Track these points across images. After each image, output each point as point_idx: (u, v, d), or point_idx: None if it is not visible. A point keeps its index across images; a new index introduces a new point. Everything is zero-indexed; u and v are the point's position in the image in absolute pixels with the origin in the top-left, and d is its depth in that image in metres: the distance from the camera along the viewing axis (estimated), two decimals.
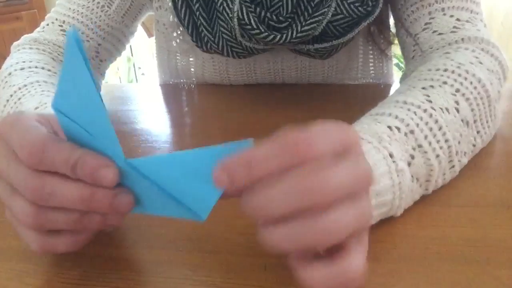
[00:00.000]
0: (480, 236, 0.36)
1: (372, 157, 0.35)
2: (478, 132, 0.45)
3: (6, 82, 0.53)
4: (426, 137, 0.39)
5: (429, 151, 0.38)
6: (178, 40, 0.71)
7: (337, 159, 0.26)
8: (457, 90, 0.43)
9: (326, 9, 0.55)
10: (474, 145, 0.44)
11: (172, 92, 0.74)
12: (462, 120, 0.42)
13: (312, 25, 0.56)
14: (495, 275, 0.32)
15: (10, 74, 0.54)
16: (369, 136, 0.37)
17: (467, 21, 0.53)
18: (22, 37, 0.63)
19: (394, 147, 0.36)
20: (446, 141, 0.40)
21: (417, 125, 0.39)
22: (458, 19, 0.53)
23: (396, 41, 0.67)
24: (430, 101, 0.41)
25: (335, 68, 0.70)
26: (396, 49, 0.76)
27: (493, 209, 0.39)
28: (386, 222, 0.37)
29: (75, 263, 0.35)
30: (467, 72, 0.44)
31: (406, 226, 0.37)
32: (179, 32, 0.70)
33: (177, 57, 0.73)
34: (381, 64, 0.74)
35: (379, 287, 0.32)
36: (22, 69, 0.55)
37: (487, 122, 0.46)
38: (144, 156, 0.51)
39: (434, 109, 0.40)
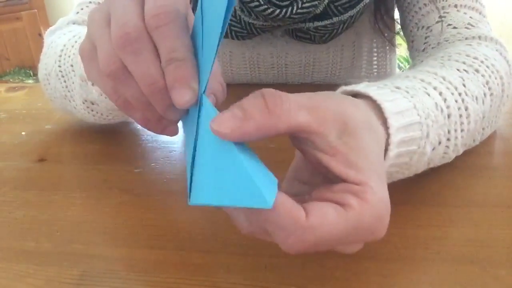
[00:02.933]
0: (480, 236, 0.36)
1: (413, 131, 0.34)
2: (483, 129, 0.44)
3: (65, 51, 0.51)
4: (455, 123, 0.38)
5: (451, 138, 0.38)
6: None
7: None
8: (487, 83, 0.42)
9: None
10: (474, 140, 0.44)
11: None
12: (482, 113, 0.41)
13: (313, 2, 0.56)
14: (495, 275, 0.32)
15: (65, 45, 0.52)
16: (421, 108, 0.35)
17: (479, 21, 0.53)
18: (59, 20, 0.61)
19: (432, 130, 0.36)
20: (468, 130, 0.40)
21: (454, 109, 0.38)
22: (471, 17, 0.53)
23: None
24: (464, 85, 0.40)
25: (339, 65, 0.70)
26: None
27: (493, 209, 0.39)
28: None
29: (75, 263, 0.35)
30: (493, 66, 0.44)
31: (406, 226, 0.37)
32: None
33: None
34: (384, 63, 0.74)
35: (379, 287, 0.31)
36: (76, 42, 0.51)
37: (494, 122, 0.46)
38: (144, 155, 0.52)
39: (467, 95, 0.39)
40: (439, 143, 0.37)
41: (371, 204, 0.26)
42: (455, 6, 0.54)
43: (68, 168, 0.50)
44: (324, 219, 0.25)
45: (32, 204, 0.44)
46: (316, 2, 0.56)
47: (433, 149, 0.37)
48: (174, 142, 0.54)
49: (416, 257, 0.34)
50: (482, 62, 0.44)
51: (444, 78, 0.39)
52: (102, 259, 0.36)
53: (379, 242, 0.35)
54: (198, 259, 0.35)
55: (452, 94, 0.38)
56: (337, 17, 0.58)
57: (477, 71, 0.42)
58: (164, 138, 0.56)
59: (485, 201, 0.40)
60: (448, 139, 0.38)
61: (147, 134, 0.56)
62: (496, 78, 0.43)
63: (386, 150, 0.32)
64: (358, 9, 0.58)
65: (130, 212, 0.41)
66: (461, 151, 0.41)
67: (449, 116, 0.37)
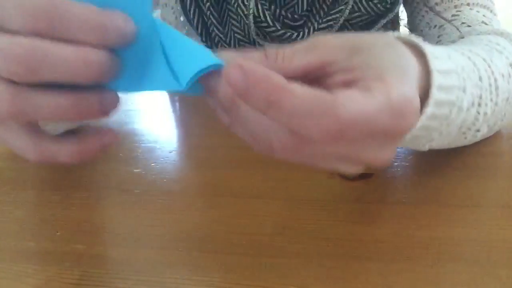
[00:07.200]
0: (480, 236, 0.36)
1: (451, 78, 0.32)
2: (504, 114, 0.43)
3: None
4: (486, 89, 0.37)
5: (482, 104, 0.37)
6: None
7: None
8: (511, 65, 0.42)
9: (343, 7, 0.54)
10: (495, 123, 0.42)
11: (173, 92, 0.74)
12: (508, 93, 0.41)
13: (329, 23, 0.55)
14: (495, 275, 0.32)
15: None
16: (455, 59, 0.34)
17: (491, 19, 0.53)
18: None
19: (468, 85, 0.34)
20: (496, 104, 0.39)
21: (484, 73, 0.37)
22: (484, 15, 0.53)
23: None
24: (491, 60, 0.39)
25: None
26: None
27: (493, 209, 0.39)
28: (386, 222, 0.37)
29: (75, 263, 0.35)
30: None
31: (406, 226, 0.37)
32: (185, 32, 0.69)
33: None
34: None
35: (379, 287, 0.32)
36: None
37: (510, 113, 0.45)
38: (144, 155, 0.52)
39: (495, 67, 0.39)
40: (472, 104, 0.36)
41: (394, 91, 0.25)
42: (468, 4, 0.53)
43: (68, 168, 0.50)
44: (351, 96, 0.24)
45: (32, 204, 0.44)
46: (332, 23, 0.55)
47: (467, 110, 0.35)
48: (174, 142, 0.55)
49: (416, 257, 0.34)
50: (504, 48, 0.43)
51: (470, 50, 0.39)
52: (102, 259, 0.36)
53: (379, 242, 0.35)
54: (198, 259, 0.35)
55: (481, 61, 0.38)
56: None
57: (501, 52, 0.42)
58: (164, 138, 0.56)
59: (485, 201, 0.40)
60: (479, 104, 0.36)
61: (147, 134, 0.56)
62: None
63: (426, 96, 0.30)
64: (376, 29, 0.57)
65: (130, 212, 0.41)
66: (485, 130, 0.40)
67: (480, 79, 0.36)
